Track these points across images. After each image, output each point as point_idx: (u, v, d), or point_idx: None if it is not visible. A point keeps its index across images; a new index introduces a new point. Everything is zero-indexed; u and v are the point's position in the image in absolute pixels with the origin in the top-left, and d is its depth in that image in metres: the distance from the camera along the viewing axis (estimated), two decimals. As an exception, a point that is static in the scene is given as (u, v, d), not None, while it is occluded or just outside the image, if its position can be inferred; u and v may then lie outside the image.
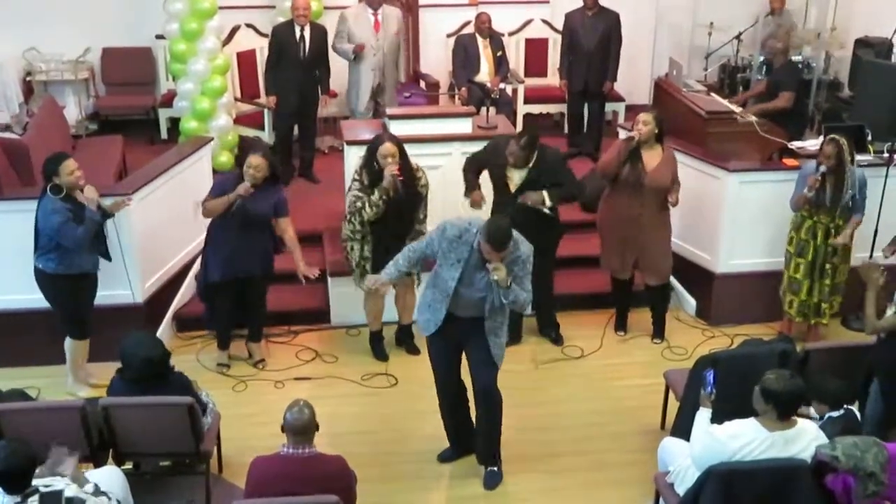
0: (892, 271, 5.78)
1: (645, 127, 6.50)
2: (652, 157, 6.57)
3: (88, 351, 6.33)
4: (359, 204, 6.22)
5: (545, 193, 6.40)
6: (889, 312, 5.23)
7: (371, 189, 6.16)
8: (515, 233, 5.05)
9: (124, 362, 5.05)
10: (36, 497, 4.03)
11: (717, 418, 4.70)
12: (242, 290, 6.46)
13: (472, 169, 6.62)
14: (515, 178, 6.45)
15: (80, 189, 5.87)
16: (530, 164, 6.40)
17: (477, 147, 6.90)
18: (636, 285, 7.11)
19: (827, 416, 4.86)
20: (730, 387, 4.92)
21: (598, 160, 6.85)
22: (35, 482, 4.08)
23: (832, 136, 6.53)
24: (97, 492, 4.27)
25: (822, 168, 6.42)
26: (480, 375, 5.36)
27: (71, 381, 6.33)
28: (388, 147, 6.12)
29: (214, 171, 7.74)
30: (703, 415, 4.79)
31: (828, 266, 6.72)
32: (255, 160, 6.12)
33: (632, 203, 6.62)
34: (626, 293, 7.12)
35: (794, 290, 6.84)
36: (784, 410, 4.39)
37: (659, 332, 7.14)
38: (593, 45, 9.03)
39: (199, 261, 6.86)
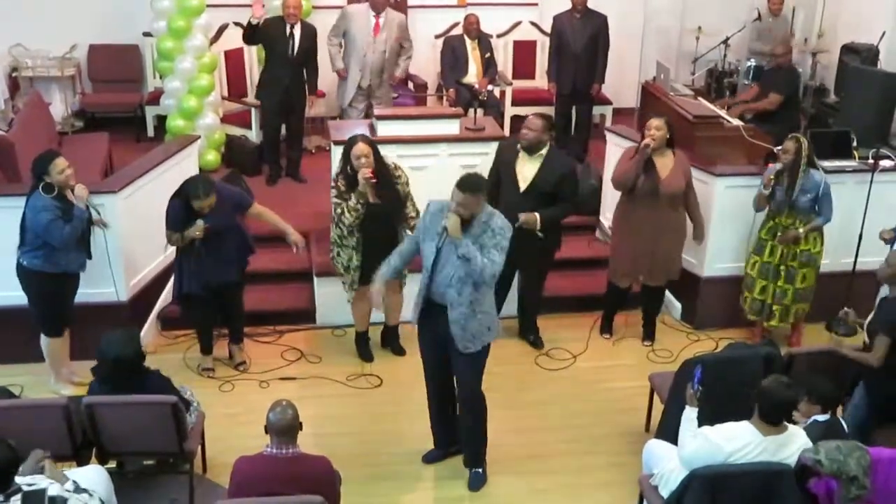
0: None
1: (658, 132, 6.46)
2: (664, 164, 6.54)
3: (72, 349, 6.31)
4: (339, 210, 6.21)
5: (538, 217, 6.40)
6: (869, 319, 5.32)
7: (348, 194, 6.16)
8: (495, 210, 5.11)
9: (97, 360, 5.04)
10: (19, 496, 4.01)
11: (702, 420, 4.72)
12: (219, 296, 6.41)
13: (490, 187, 6.27)
14: (526, 171, 6.44)
15: (70, 188, 5.84)
16: (542, 152, 6.41)
17: (464, 148, 6.92)
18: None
19: (812, 419, 4.89)
20: (715, 390, 4.94)
21: (614, 171, 6.77)
22: (18, 480, 4.06)
23: (794, 134, 6.60)
24: (77, 489, 4.25)
25: (778, 165, 6.47)
26: (460, 381, 5.36)
27: (53, 379, 6.30)
28: (360, 147, 6.10)
29: (201, 170, 7.72)
30: (690, 415, 4.80)
31: (782, 268, 6.73)
32: (204, 203, 5.95)
33: (650, 212, 6.58)
34: (621, 299, 7.11)
35: (749, 286, 6.90)
36: (774, 418, 4.42)
37: (650, 334, 7.16)
38: (581, 48, 9.05)
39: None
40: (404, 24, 8.71)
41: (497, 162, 6.61)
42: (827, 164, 6.76)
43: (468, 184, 4.95)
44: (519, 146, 6.49)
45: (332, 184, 6.32)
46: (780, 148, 6.74)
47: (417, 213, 6.31)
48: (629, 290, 7.04)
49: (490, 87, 9.20)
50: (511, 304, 7.03)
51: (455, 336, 5.12)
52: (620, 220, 6.84)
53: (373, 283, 5.46)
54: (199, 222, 5.99)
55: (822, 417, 4.90)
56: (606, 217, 7.88)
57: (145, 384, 5.04)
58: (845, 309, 5.63)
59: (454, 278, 5.03)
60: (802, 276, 6.78)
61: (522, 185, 6.46)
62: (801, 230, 6.60)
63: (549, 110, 9.83)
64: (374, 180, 6.07)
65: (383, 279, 5.42)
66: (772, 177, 6.50)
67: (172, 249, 6.66)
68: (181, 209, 6.04)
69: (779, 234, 6.67)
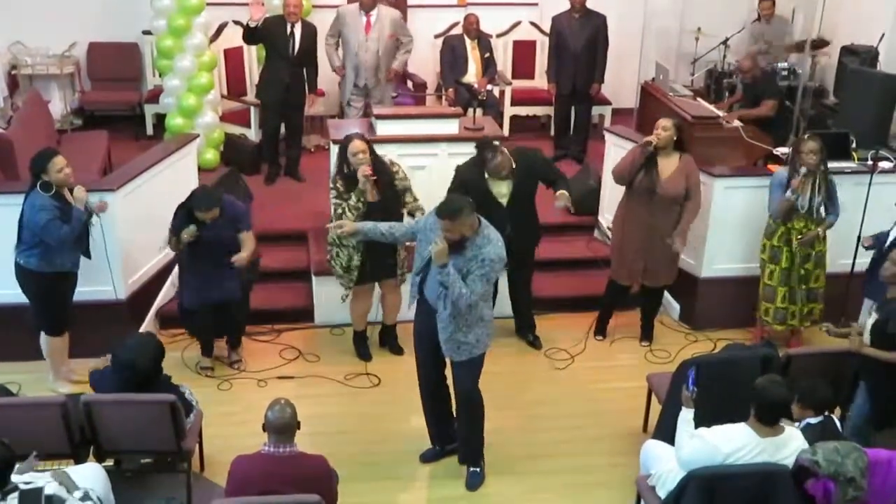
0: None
1: (664, 133, 6.41)
2: (668, 165, 6.50)
3: (70, 347, 6.30)
4: (339, 211, 6.21)
5: (565, 194, 6.38)
6: (869, 322, 5.32)
7: (347, 194, 6.16)
8: (494, 236, 4.99)
9: (120, 361, 5.05)
10: (16, 494, 4.00)
11: (699, 421, 4.72)
12: (220, 312, 6.40)
13: None
14: (503, 190, 6.39)
15: (69, 187, 5.83)
16: (513, 166, 6.36)
17: (463, 147, 6.90)
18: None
19: (805, 422, 4.88)
20: (712, 391, 4.94)
21: (615, 165, 6.76)
22: (14, 478, 4.06)
23: (810, 134, 6.55)
24: (85, 497, 4.25)
25: (803, 169, 6.40)
26: (457, 379, 5.36)
27: (52, 377, 6.30)
28: (356, 144, 6.12)
29: (200, 169, 7.72)
30: (686, 416, 4.80)
31: (801, 271, 6.70)
32: (206, 216, 6.00)
33: (645, 210, 6.56)
34: (619, 299, 7.08)
35: (769, 296, 6.82)
36: (768, 418, 4.43)
37: (647, 335, 7.15)
38: (580, 48, 9.06)
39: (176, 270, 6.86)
40: (398, 20, 8.71)
41: (462, 183, 6.36)
42: (826, 165, 6.76)
43: (445, 210, 4.89)
44: (487, 176, 6.34)
45: (331, 186, 6.32)
46: (781, 151, 6.72)
47: (415, 199, 6.34)
48: (629, 290, 7.03)
49: (489, 87, 9.19)
50: (504, 305, 7.01)
51: (441, 343, 5.16)
52: (620, 217, 6.84)
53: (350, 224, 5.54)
54: (192, 227, 6.02)
55: (814, 420, 4.89)
56: (605, 217, 7.89)
57: (153, 390, 5.05)
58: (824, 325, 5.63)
59: (441, 293, 5.01)
60: (815, 277, 6.77)
61: (504, 201, 6.38)
62: (819, 230, 6.56)
63: (549, 110, 9.91)
64: (373, 177, 6.07)
65: (362, 226, 5.48)
66: (803, 179, 6.39)
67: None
68: (184, 218, 6.08)
69: (794, 238, 6.59)
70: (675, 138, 6.48)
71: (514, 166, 6.36)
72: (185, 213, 6.09)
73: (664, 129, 6.44)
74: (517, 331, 7.11)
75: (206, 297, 6.26)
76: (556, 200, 6.42)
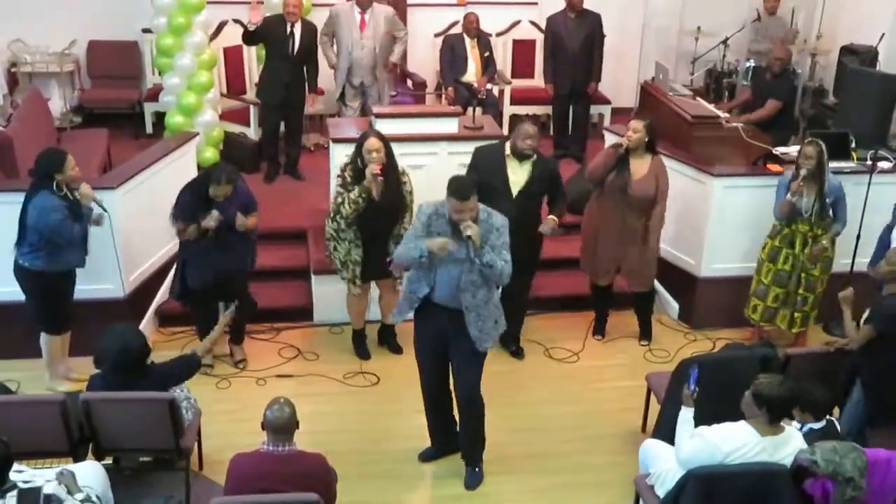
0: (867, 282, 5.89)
1: (635, 134, 6.42)
2: (640, 166, 6.50)
3: (70, 345, 6.30)
4: (339, 200, 6.21)
5: (555, 220, 6.41)
6: (863, 318, 5.33)
7: (352, 186, 6.16)
8: (489, 207, 5.11)
9: (99, 355, 5.01)
10: (14, 493, 4.00)
11: (699, 421, 4.72)
12: (222, 289, 6.36)
13: None
14: (519, 176, 6.33)
15: (77, 186, 5.82)
16: (534, 159, 6.31)
17: (462, 146, 6.90)
18: (620, 288, 7.10)
19: (808, 427, 4.88)
20: (711, 390, 4.95)
21: (589, 162, 6.77)
22: (14, 477, 4.05)
23: (811, 137, 6.54)
24: (86, 499, 4.25)
25: (803, 171, 6.38)
26: (462, 381, 5.36)
27: (48, 376, 6.29)
28: (372, 142, 6.11)
29: (199, 167, 7.72)
30: (686, 416, 4.80)
31: (803, 275, 6.65)
32: (220, 191, 5.98)
33: (616, 210, 6.57)
34: (605, 298, 7.10)
35: (761, 295, 6.79)
36: (776, 415, 4.43)
37: (646, 334, 7.16)
38: (578, 47, 9.05)
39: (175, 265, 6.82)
40: (391, 17, 8.71)
41: (478, 168, 6.33)
42: (825, 165, 6.76)
43: (465, 189, 4.94)
44: (508, 153, 6.32)
45: (339, 173, 6.32)
46: (780, 151, 6.68)
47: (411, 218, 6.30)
48: (611, 287, 7.02)
49: (489, 86, 9.19)
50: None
51: (472, 337, 5.16)
52: (590, 215, 6.83)
53: (435, 241, 5.04)
54: (214, 212, 5.98)
55: (817, 425, 4.89)
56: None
57: (147, 380, 5.04)
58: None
59: (466, 283, 5.05)
60: (821, 282, 6.73)
61: (515, 190, 6.33)
62: (824, 241, 6.54)
63: (548, 109, 9.90)
64: (381, 176, 6.07)
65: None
66: (801, 183, 6.36)
67: (172, 245, 6.66)
68: (193, 200, 6.04)
69: (797, 241, 6.56)
70: (646, 139, 6.48)
71: (537, 145, 6.31)
72: (194, 193, 6.04)
73: (635, 130, 6.45)
74: (500, 341, 6.69)
75: (210, 274, 6.18)
76: (543, 224, 6.43)
